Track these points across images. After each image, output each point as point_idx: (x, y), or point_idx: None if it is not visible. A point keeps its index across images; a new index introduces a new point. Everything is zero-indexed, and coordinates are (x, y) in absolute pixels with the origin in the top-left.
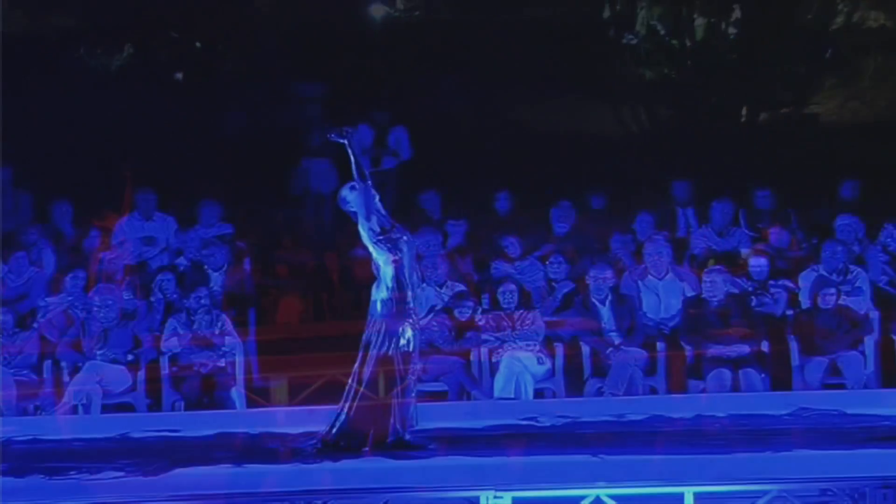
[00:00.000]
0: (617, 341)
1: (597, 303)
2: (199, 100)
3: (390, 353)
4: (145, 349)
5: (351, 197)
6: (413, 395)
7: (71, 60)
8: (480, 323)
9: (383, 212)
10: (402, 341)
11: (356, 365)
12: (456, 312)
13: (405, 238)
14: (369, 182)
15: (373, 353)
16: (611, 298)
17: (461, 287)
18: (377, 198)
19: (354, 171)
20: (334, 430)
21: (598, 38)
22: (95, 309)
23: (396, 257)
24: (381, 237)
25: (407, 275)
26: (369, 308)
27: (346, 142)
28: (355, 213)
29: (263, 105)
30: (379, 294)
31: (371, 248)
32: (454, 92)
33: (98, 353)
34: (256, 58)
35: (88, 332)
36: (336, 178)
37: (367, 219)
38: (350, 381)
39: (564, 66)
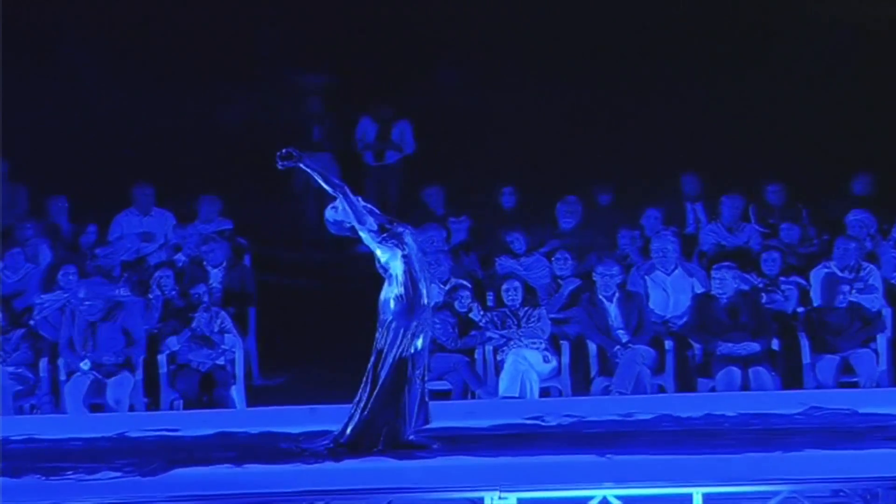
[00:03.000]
0: (624, 339)
1: (604, 300)
2: (198, 92)
3: (404, 353)
4: (143, 347)
5: (337, 215)
6: (424, 394)
7: (67, 52)
8: (481, 321)
9: (376, 210)
10: (417, 340)
11: (370, 365)
12: (456, 305)
13: (408, 231)
14: (346, 188)
15: (387, 352)
16: (618, 295)
17: (460, 282)
18: (360, 199)
19: (324, 185)
20: (348, 431)
21: (608, 28)
22: (79, 301)
23: (405, 252)
24: (384, 236)
25: (418, 268)
26: (380, 307)
27: (299, 164)
28: (350, 229)
29: (264, 97)
30: (391, 291)
31: (378, 251)
32: (459, 85)
33: (89, 351)
34: (257, 49)
35: (79, 328)
36: (338, 173)
37: (362, 223)
38: (363, 381)
39: (573, 58)
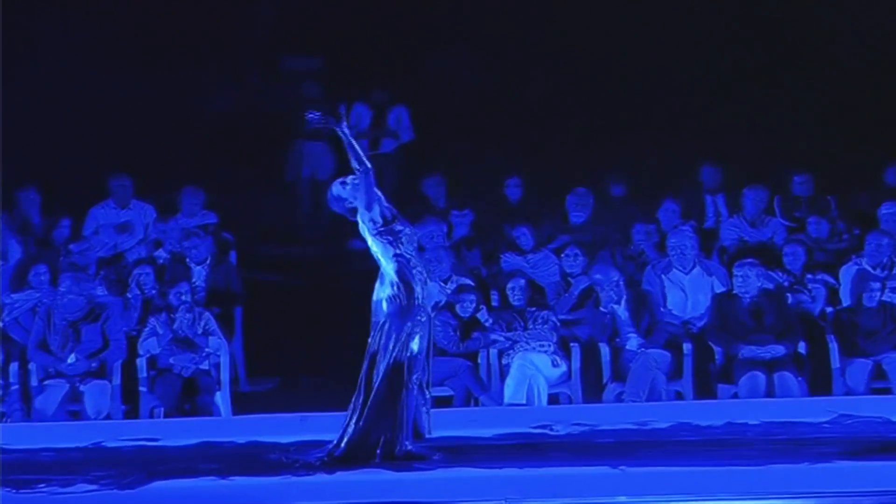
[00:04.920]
0: (635, 342)
1: (610, 302)
2: (181, 75)
3: (399, 357)
4: (121, 350)
5: (345, 193)
6: (423, 401)
7: (39, 34)
8: (487, 323)
9: (386, 201)
10: (413, 343)
11: (363, 372)
12: (458, 308)
13: (407, 231)
14: (370, 167)
15: (380, 356)
16: (626, 296)
17: (465, 280)
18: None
19: (352, 159)
20: (343, 443)
21: (622, 9)
22: (60, 295)
23: (398, 251)
24: (382, 229)
25: (412, 267)
26: (372, 308)
27: (337, 127)
28: (351, 210)
29: (251, 82)
30: (383, 292)
31: (370, 242)
32: (460, 68)
33: (68, 353)
34: (243, 31)
35: (58, 327)
36: (333, 163)
37: (369, 208)
38: (357, 388)
39: (584, 40)
